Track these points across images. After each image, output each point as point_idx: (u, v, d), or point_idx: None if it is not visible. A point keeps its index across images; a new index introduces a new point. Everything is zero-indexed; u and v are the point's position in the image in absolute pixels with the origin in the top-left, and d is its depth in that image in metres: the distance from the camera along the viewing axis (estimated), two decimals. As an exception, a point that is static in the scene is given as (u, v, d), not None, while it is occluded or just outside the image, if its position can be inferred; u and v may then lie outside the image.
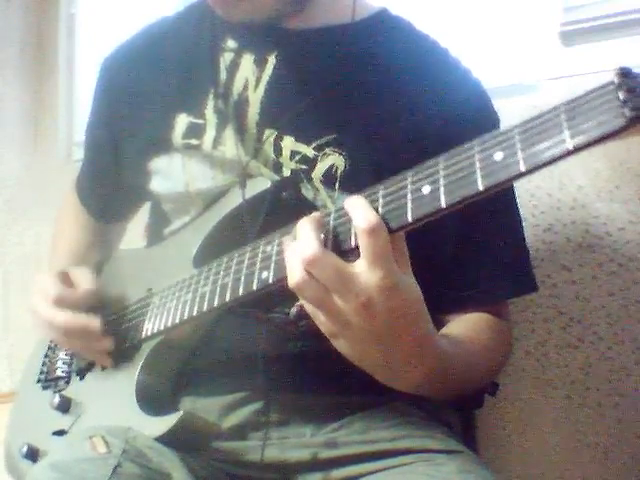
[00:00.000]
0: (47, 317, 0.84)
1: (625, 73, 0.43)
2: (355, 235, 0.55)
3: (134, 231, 1.17)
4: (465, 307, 0.82)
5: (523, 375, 1.15)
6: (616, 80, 0.43)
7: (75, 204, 1.11)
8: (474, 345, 0.75)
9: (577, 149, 0.44)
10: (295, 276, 0.56)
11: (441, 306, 0.80)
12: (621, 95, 0.42)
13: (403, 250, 0.56)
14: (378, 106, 0.80)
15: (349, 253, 0.56)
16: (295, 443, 0.78)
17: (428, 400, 0.82)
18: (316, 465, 0.76)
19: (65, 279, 0.87)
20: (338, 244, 0.56)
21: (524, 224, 0.88)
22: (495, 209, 0.78)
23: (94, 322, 0.81)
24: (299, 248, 0.55)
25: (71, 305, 0.83)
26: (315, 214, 0.59)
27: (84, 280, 0.87)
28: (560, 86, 1.13)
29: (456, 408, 0.89)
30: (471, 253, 0.81)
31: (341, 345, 0.59)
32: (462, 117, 0.79)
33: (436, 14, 1.28)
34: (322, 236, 0.56)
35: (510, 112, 0.91)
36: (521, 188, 1.12)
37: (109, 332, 0.83)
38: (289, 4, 0.80)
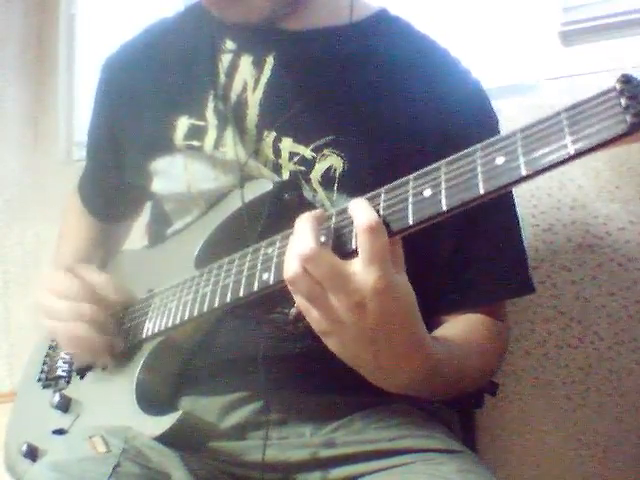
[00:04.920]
0: (58, 310, 0.81)
1: (627, 80, 0.43)
2: (355, 236, 0.55)
3: (134, 231, 1.17)
4: (461, 308, 0.82)
5: (523, 375, 1.15)
6: (618, 86, 0.43)
7: (77, 204, 1.11)
8: (468, 346, 0.75)
9: (578, 154, 0.45)
10: (290, 270, 0.56)
11: (437, 306, 0.80)
12: (623, 101, 0.42)
13: (398, 252, 0.57)
14: (377, 107, 0.80)
15: (350, 256, 0.56)
16: (295, 443, 0.78)
17: (428, 400, 0.82)
18: (316, 465, 0.76)
19: (73, 271, 0.86)
20: (339, 246, 0.57)
21: (524, 224, 0.87)
22: (493, 209, 0.78)
23: (102, 314, 0.80)
24: (296, 243, 0.56)
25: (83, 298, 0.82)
26: (316, 211, 0.59)
27: (92, 275, 0.85)
28: (560, 86, 1.13)
29: (456, 408, 0.89)
30: (468, 254, 0.81)
31: (332, 343, 0.59)
32: (461, 118, 0.79)
33: (436, 14, 1.29)
34: (323, 239, 0.56)
35: (510, 112, 0.91)
36: (521, 188, 1.12)
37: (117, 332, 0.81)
38: (284, 5, 0.80)
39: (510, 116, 0.95)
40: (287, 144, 0.80)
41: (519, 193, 0.88)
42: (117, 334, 0.82)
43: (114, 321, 0.83)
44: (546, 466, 1.15)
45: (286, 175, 0.80)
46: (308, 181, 0.79)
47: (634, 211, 1.06)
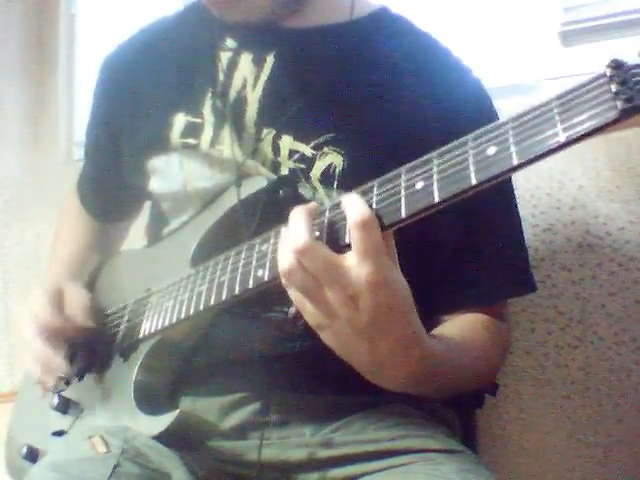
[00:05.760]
0: (27, 341, 0.84)
1: (617, 65, 0.43)
2: (349, 231, 0.55)
3: (134, 231, 1.17)
4: (462, 307, 0.81)
5: (523, 375, 1.15)
6: (608, 72, 0.43)
7: (76, 204, 1.11)
8: (469, 346, 0.74)
9: (570, 142, 0.45)
10: (285, 263, 0.56)
11: (439, 306, 0.80)
12: (613, 87, 0.42)
13: (391, 246, 0.56)
14: (377, 105, 0.80)
15: (344, 249, 0.56)
16: (295, 443, 0.78)
17: (428, 400, 0.82)
18: (316, 465, 0.76)
19: (58, 298, 0.86)
20: (333, 240, 0.56)
21: (524, 224, 0.87)
22: (494, 208, 0.78)
23: (56, 361, 0.82)
24: (290, 237, 0.56)
25: (56, 332, 0.83)
26: (309, 204, 0.59)
27: (75, 303, 0.85)
28: (560, 86, 1.12)
29: (456, 408, 0.89)
30: (469, 253, 0.80)
31: (327, 337, 0.59)
32: (462, 117, 0.78)
33: (436, 13, 1.29)
34: (317, 233, 0.56)
35: (510, 112, 0.90)
36: (521, 188, 1.12)
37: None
38: (284, 5, 0.80)
39: (510, 116, 0.94)
40: (287, 142, 0.80)
41: (519, 193, 0.88)
42: (67, 360, 0.83)
43: (78, 343, 0.85)
44: (546, 466, 1.15)
45: (285, 173, 0.80)
46: (308, 179, 0.79)
47: (634, 211, 1.06)
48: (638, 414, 1.07)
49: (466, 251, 0.80)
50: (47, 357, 0.82)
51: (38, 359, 0.83)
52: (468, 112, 0.80)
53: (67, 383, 0.91)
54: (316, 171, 0.78)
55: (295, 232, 0.55)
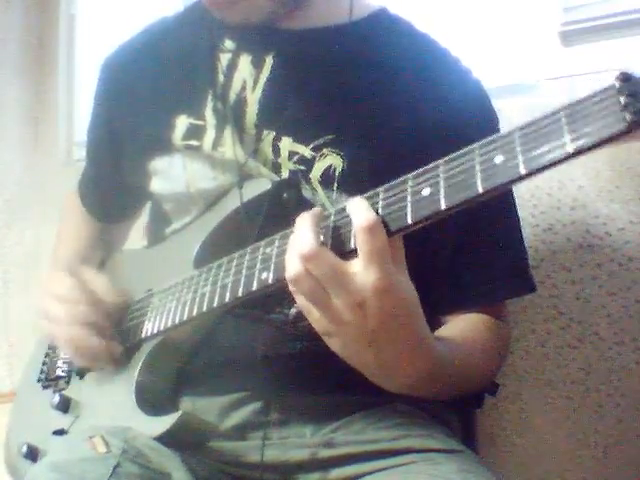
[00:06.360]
0: (57, 314, 0.81)
1: (626, 77, 0.43)
2: (354, 236, 0.55)
3: (134, 231, 1.17)
4: (463, 308, 0.81)
5: (523, 375, 1.15)
6: (617, 84, 0.43)
7: (77, 204, 1.11)
8: (471, 346, 0.75)
9: (577, 153, 0.44)
10: (292, 269, 0.56)
11: (439, 307, 0.80)
12: (622, 99, 0.42)
13: (400, 251, 0.56)
14: (376, 106, 0.80)
15: (349, 255, 0.56)
16: (295, 443, 0.78)
17: (428, 400, 0.82)
18: (316, 465, 0.76)
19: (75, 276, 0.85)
20: (338, 245, 0.56)
21: (524, 224, 0.87)
22: (494, 209, 0.78)
23: (100, 318, 0.80)
24: (297, 243, 0.56)
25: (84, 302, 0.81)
26: (315, 209, 0.59)
27: (92, 277, 0.85)
28: (560, 86, 1.13)
29: (456, 408, 0.89)
30: (469, 253, 0.81)
31: (334, 343, 0.59)
32: (461, 117, 0.78)
33: (436, 14, 1.29)
34: (322, 238, 0.56)
35: (510, 112, 0.91)
36: (521, 188, 1.12)
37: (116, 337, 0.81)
38: (284, 5, 0.80)
39: (510, 116, 0.95)
40: (286, 143, 0.80)
41: (519, 193, 0.89)
42: (116, 338, 0.81)
43: (113, 324, 0.83)
44: (546, 466, 1.15)
45: (285, 174, 0.80)
46: (308, 180, 0.79)
47: (634, 211, 1.06)
48: (638, 414, 1.07)
49: (466, 252, 0.80)
50: (93, 343, 0.79)
51: (85, 348, 0.80)
52: (467, 113, 0.80)
53: (67, 382, 0.91)
54: (316, 172, 0.78)
55: (301, 238, 0.55)
